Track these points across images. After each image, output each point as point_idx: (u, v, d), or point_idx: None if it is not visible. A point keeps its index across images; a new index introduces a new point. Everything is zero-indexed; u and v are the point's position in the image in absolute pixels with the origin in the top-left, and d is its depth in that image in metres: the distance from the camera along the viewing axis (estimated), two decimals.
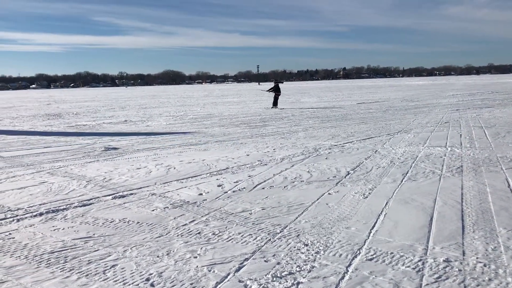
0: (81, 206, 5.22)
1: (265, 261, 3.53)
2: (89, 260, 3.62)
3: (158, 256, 3.68)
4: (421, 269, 3.30)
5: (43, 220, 4.73)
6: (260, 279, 3.21)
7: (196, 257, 3.64)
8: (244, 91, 56.78)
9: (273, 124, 14.34)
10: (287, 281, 3.17)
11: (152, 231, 4.32)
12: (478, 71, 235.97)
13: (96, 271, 3.42)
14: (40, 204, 5.34)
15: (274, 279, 3.21)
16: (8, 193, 5.94)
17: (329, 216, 4.60)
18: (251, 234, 4.14)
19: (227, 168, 7.27)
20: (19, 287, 3.20)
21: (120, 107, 28.22)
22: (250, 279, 3.21)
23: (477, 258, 3.47)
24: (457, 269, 3.29)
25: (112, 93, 70.23)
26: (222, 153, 8.81)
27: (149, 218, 4.71)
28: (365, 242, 3.87)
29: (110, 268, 3.47)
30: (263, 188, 5.86)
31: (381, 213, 4.66)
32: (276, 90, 22.67)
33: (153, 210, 5.00)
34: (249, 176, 6.62)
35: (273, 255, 3.63)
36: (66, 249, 3.87)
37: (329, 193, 5.51)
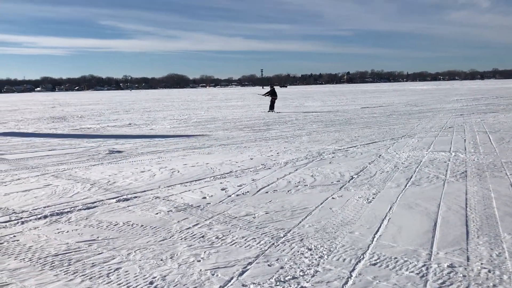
0: (85, 209, 5.24)
1: (268, 265, 3.53)
2: (93, 263, 3.64)
3: (161, 260, 3.69)
4: (425, 275, 3.29)
5: (48, 223, 4.75)
6: (263, 283, 3.21)
7: (199, 261, 3.64)
8: (248, 95, 56.87)
9: (276, 128, 14.35)
10: (290, 286, 3.16)
11: (156, 234, 4.33)
12: (483, 76, 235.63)
13: (100, 274, 3.43)
14: (44, 207, 5.36)
15: (278, 283, 3.21)
16: (13, 195, 5.98)
17: (332, 221, 4.59)
18: (254, 238, 4.14)
19: (231, 171, 7.27)
20: None
21: (124, 110, 28.33)
22: (254, 283, 3.21)
23: (481, 263, 3.46)
24: (461, 275, 3.27)
25: (116, 96, 70.50)
26: (225, 156, 8.82)
27: (153, 221, 4.72)
28: (368, 247, 3.86)
29: (114, 271, 3.48)
30: (267, 192, 5.86)
31: (384, 218, 4.65)
32: (273, 94, 22.77)
33: (157, 214, 5.01)
34: (253, 180, 6.62)
35: (277, 259, 3.63)
36: (70, 252, 3.89)
37: (332, 198, 5.50)
